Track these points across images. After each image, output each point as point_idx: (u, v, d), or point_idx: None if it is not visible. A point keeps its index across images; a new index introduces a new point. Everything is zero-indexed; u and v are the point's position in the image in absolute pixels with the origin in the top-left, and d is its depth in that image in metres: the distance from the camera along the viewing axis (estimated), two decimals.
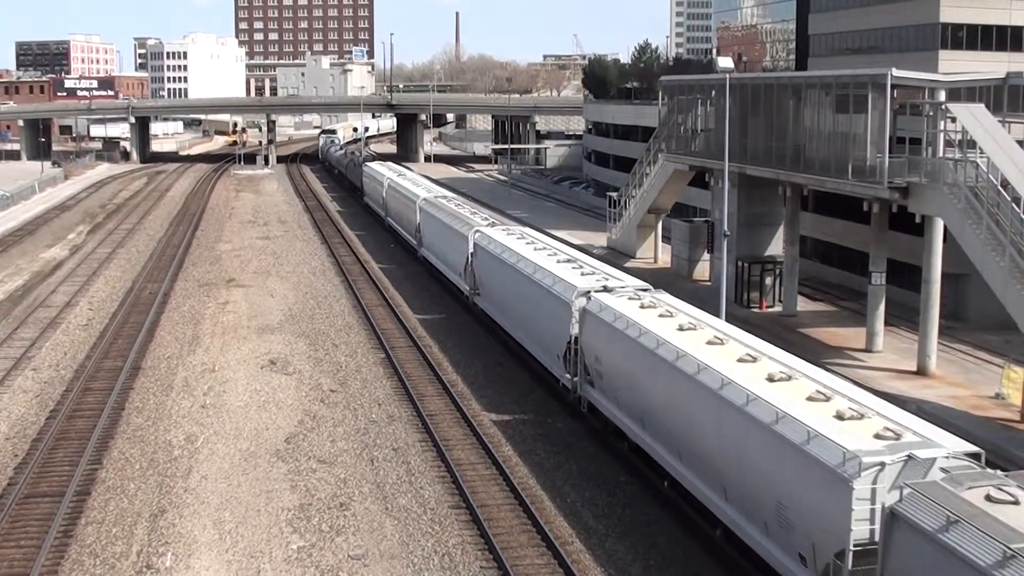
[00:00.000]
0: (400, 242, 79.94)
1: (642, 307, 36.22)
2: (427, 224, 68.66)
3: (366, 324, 54.86)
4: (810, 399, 25.96)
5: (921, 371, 44.75)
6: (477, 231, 55.26)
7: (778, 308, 56.63)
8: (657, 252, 71.87)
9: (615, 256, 70.29)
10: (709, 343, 31.35)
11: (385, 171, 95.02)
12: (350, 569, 28.03)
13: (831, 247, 64.28)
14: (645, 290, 39.54)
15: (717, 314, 39.97)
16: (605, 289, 39.28)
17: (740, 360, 29.43)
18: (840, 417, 24.57)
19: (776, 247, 59.65)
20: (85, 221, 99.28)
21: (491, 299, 51.59)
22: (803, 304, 56.72)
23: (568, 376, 39.38)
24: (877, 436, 23.30)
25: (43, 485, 33.19)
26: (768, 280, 57.91)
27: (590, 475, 34.51)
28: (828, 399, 25.90)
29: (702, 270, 65.00)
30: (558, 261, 45.45)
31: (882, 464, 22.02)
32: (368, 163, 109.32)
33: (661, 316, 34.90)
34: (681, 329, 32.96)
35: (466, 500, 32.05)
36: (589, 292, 38.85)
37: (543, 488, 33.39)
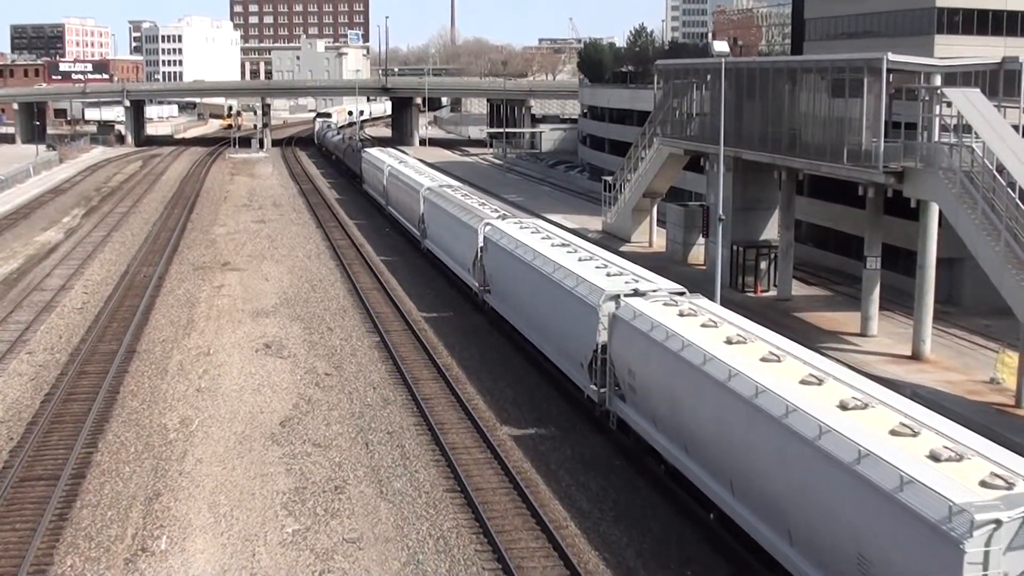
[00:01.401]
0: (401, 231, 77.70)
1: (681, 315, 32.53)
2: (432, 215, 65.49)
3: (360, 308, 54.84)
4: (894, 433, 22.34)
5: (916, 356, 44.82)
6: (487, 224, 51.84)
7: (773, 292, 56.69)
8: (652, 236, 71.89)
9: (610, 240, 70.29)
10: (764, 360, 27.62)
11: (385, 158, 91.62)
12: (345, 552, 28.06)
13: (826, 232, 64.31)
14: (680, 294, 35.77)
15: (712, 298, 39.71)
16: (636, 293, 35.57)
17: (803, 382, 25.81)
18: (935, 458, 20.89)
19: (771, 231, 59.74)
20: (80, 204, 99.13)
21: (503, 298, 48.18)
22: (798, 288, 56.79)
23: (594, 388, 35.79)
24: (984, 484, 19.73)
25: (38, 468, 33.19)
26: (763, 264, 57.98)
27: (584, 459, 34.53)
28: (916, 434, 22.19)
29: (697, 254, 65.03)
30: (579, 259, 41.68)
31: (997, 522, 18.58)
32: (367, 149, 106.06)
33: (704, 326, 31.17)
34: (729, 342, 29.33)
35: (461, 484, 32.07)
36: (618, 296, 35.26)
37: (537, 472, 33.40)
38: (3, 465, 33.57)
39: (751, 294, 56.98)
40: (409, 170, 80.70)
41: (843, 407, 23.87)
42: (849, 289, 55.98)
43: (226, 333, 50.17)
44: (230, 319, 52.89)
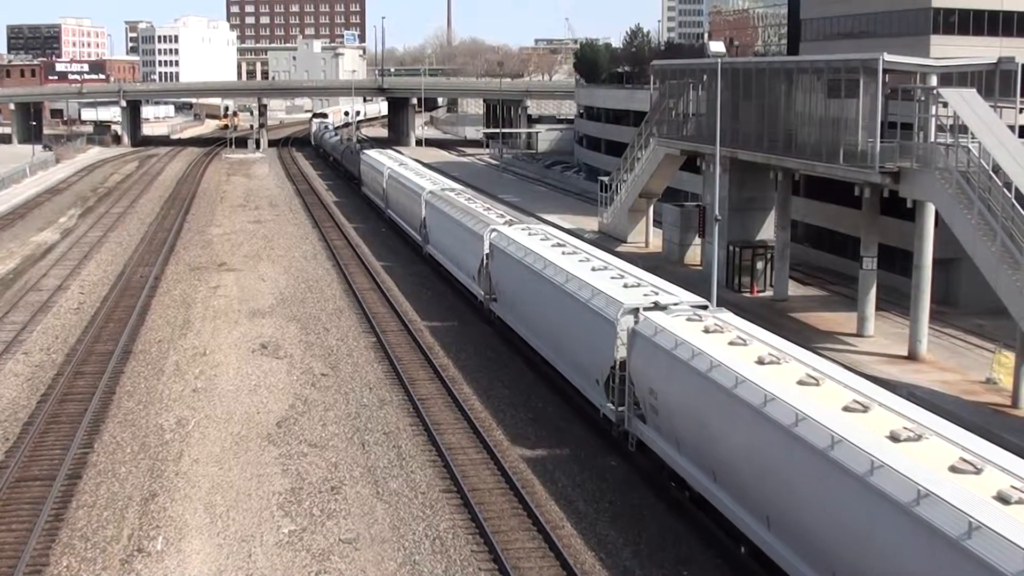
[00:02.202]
0: (400, 234, 75.77)
1: (706, 331, 30.45)
2: (434, 219, 63.43)
3: (357, 308, 54.81)
4: (954, 470, 20.36)
5: (912, 356, 44.83)
6: (493, 230, 50.00)
7: (769, 293, 56.68)
8: (648, 236, 71.87)
9: (606, 240, 70.30)
10: (801, 383, 25.55)
11: (385, 160, 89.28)
12: (341, 553, 28.06)
13: (822, 232, 64.32)
14: (703, 307, 33.75)
15: (708, 297, 39.54)
16: (656, 306, 33.53)
17: (847, 409, 23.69)
18: (1004, 500, 18.97)
19: (767, 232, 59.70)
20: (76, 205, 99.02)
21: (511, 308, 46.42)
22: (794, 289, 56.80)
23: (611, 407, 33.90)
24: None
25: (34, 468, 33.18)
26: (759, 265, 57.98)
27: (580, 460, 34.54)
28: (979, 471, 20.20)
29: (693, 254, 65.02)
30: (593, 269, 39.71)
31: None
32: (366, 151, 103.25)
33: (732, 344, 29.09)
34: (761, 362, 27.16)
35: (457, 484, 32.07)
36: (638, 310, 33.22)
37: (534, 472, 33.42)
38: None
39: (747, 294, 56.99)
40: (409, 172, 78.84)
41: (894, 438, 21.83)
42: (845, 289, 56.00)
43: (222, 333, 50.15)
44: (226, 319, 52.87)
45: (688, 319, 31.80)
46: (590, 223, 78.73)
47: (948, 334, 48.24)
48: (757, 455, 25.14)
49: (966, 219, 40.56)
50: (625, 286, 36.55)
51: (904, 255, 49.33)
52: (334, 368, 44.61)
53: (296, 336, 49.66)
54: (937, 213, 43.99)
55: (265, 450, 35.30)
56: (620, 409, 33.44)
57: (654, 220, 72.28)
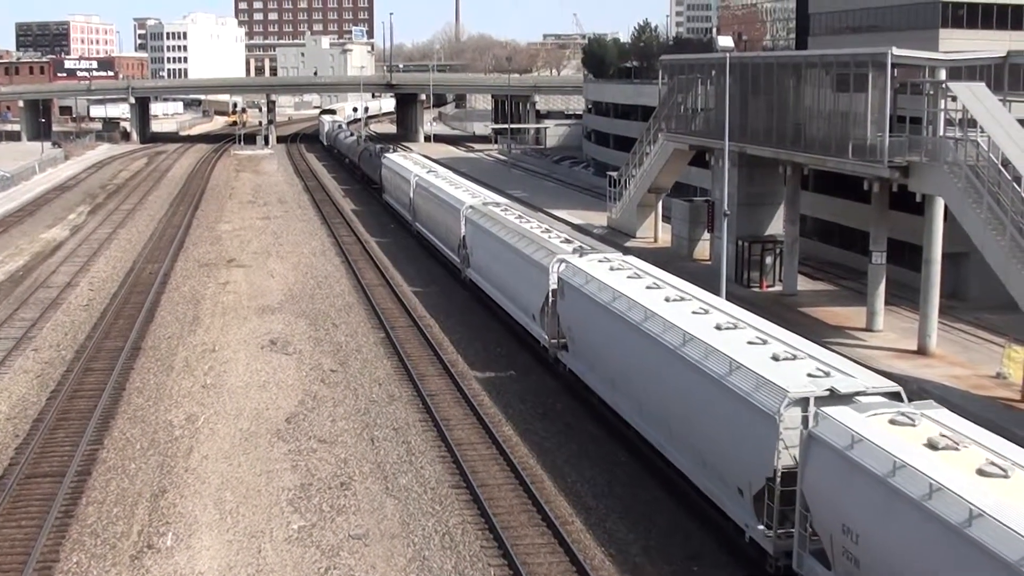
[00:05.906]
0: (431, 250, 67.84)
1: (932, 447, 21.24)
2: (477, 240, 54.09)
3: (366, 304, 54.77)
4: None
5: (922, 350, 44.76)
6: (562, 261, 41.26)
7: (778, 287, 56.61)
8: (657, 231, 71.87)
9: (615, 236, 70.27)
10: None
11: (411, 165, 80.00)
12: (351, 548, 28.08)
13: (831, 226, 64.24)
14: (895, 395, 24.70)
15: (718, 293, 39.25)
16: (833, 394, 24.28)
17: None
18: None
19: (776, 226, 59.62)
20: (86, 201, 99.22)
21: (590, 363, 37.57)
22: (803, 283, 56.73)
23: (765, 531, 24.90)
24: None
25: (44, 465, 33.22)
26: (768, 259, 57.87)
27: (590, 455, 34.50)
28: None
29: (702, 249, 64.97)
30: (718, 327, 30.32)
31: None
32: (387, 154, 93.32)
33: (984, 474, 19.98)
34: None
35: (466, 480, 32.07)
36: (808, 400, 24.16)
37: (543, 468, 33.38)
38: (9, 462, 33.62)
39: (756, 289, 56.93)
40: (442, 182, 68.87)
41: None
42: (855, 284, 55.91)
43: (232, 330, 50.20)
44: (236, 316, 52.92)
45: (892, 421, 22.52)
46: (599, 218, 78.75)
47: (958, 328, 48.15)
48: None
49: (975, 213, 40.48)
50: (775, 358, 27.08)
51: (913, 249, 49.20)
52: (343, 364, 44.61)
53: (305, 332, 49.68)
54: (946, 207, 43.89)
55: (274, 446, 35.33)
56: (780, 535, 24.49)
57: (663, 215, 72.28)
